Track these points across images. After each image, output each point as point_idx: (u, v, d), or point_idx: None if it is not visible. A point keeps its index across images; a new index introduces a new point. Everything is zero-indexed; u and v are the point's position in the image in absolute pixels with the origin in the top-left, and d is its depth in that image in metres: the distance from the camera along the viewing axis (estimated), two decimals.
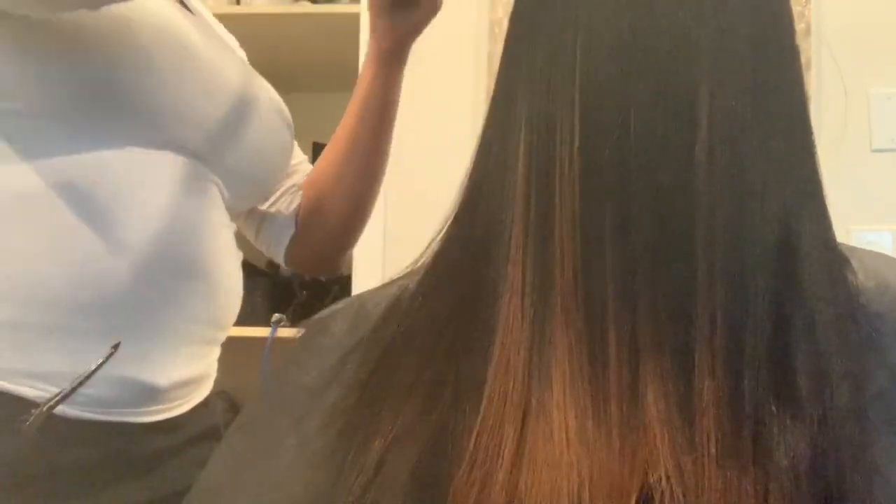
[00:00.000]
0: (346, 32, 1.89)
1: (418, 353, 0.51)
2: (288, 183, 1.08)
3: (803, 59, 1.83)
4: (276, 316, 1.63)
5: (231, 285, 0.93)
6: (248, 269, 2.44)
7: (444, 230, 0.55)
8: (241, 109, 0.91)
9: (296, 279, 2.25)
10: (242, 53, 1.08)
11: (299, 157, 1.11)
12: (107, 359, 0.73)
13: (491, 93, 0.56)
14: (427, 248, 0.57)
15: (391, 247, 1.77)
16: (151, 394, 0.82)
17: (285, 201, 1.08)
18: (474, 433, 0.47)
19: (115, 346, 0.74)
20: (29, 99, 0.76)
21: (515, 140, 0.51)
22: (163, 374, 0.82)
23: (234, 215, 0.97)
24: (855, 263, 0.52)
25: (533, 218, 0.50)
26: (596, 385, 0.46)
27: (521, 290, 0.49)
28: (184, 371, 0.85)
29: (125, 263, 0.78)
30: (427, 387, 0.50)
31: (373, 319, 0.56)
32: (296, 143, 1.10)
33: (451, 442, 0.47)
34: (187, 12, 0.91)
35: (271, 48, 2.21)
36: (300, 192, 1.09)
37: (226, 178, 0.91)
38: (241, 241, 2.95)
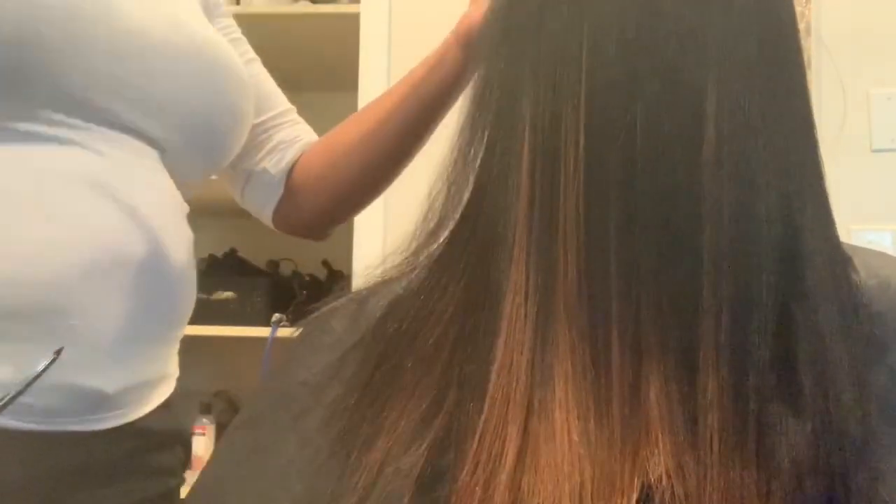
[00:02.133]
0: (346, 32, 1.89)
1: (421, 352, 0.51)
2: (276, 138, 1.00)
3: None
4: (276, 316, 1.63)
5: (183, 275, 0.86)
6: (248, 269, 2.46)
7: (449, 229, 0.55)
8: (167, 72, 0.83)
9: (296, 279, 2.25)
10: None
11: (280, 108, 1.03)
12: (48, 366, 0.68)
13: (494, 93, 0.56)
14: (416, 239, 0.57)
15: (391, 247, 1.77)
16: (98, 400, 0.77)
17: (274, 158, 1.00)
18: (477, 434, 0.47)
19: (58, 352, 0.69)
20: None
21: (520, 140, 0.51)
22: (110, 379, 0.77)
23: (189, 188, 0.90)
24: (857, 262, 0.52)
25: (537, 218, 0.50)
26: (598, 385, 0.46)
27: (525, 290, 0.49)
28: (135, 374, 0.80)
29: (63, 263, 0.73)
30: (430, 387, 0.50)
31: (374, 317, 0.56)
32: (280, 91, 1.03)
33: (454, 442, 0.47)
34: None
35: (271, 48, 2.21)
36: (293, 149, 1.01)
37: (168, 150, 0.84)
38: (238, 239, 2.93)
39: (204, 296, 2.14)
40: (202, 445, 2.09)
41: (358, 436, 0.50)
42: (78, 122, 0.77)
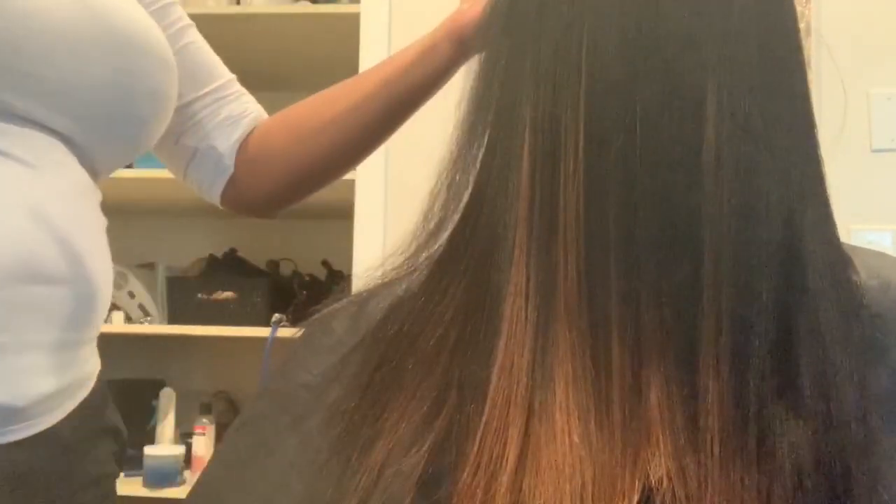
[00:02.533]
0: (346, 32, 1.89)
1: (422, 354, 0.51)
2: (223, 112, 0.95)
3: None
4: (276, 316, 1.63)
5: (98, 274, 0.80)
6: (248, 269, 2.46)
7: (449, 231, 0.55)
8: (70, 56, 0.76)
9: (296, 279, 2.25)
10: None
11: (222, 79, 0.97)
12: None
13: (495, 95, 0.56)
14: (416, 239, 0.57)
15: (391, 247, 1.77)
16: (8, 415, 0.73)
17: (223, 134, 0.94)
18: (478, 435, 0.47)
19: None
20: None
21: (520, 141, 0.51)
22: (20, 392, 0.73)
23: (105, 174, 0.85)
24: (857, 263, 0.52)
25: (537, 220, 0.49)
26: (598, 387, 0.46)
27: (525, 292, 0.49)
28: (48, 383, 0.76)
29: None
30: (431, 389, 0.50)
31: (374, 319, 0.56)
32: (219, 60, 0.97)
33: (455, 444, 0.47)
34: None
35: (271, 48, 2.22)
36: (242, 123, 0.95)
37: (77, 141, 0.78)
38: (238, 239, 2.93)
39: (204, 296, 2.14)
40: (202, 445, 2.09)
41: (358, 438, 0.50)
42: None
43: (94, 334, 0.83)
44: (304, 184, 0.97)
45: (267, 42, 2.15)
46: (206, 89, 0.94)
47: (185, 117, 0.93)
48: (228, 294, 2.13)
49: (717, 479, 0.44)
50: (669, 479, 0.44)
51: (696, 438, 0.45)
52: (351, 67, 1.86)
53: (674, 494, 0.43)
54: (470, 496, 0.45)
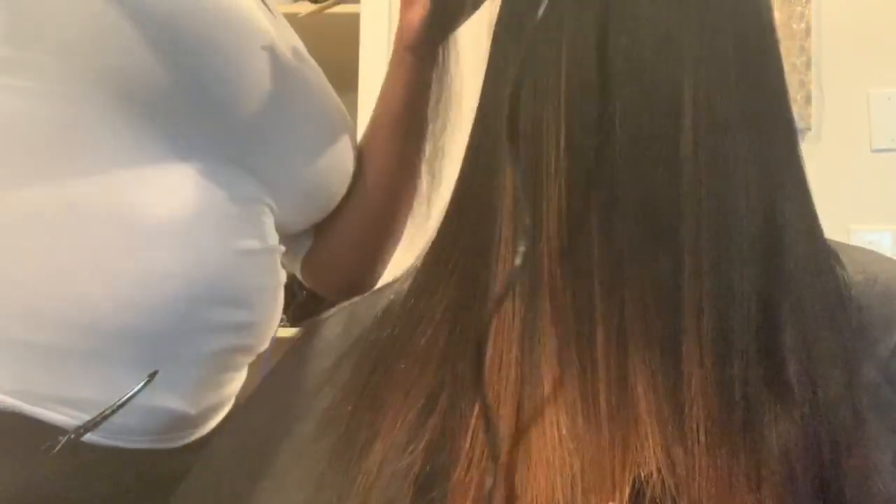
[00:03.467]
0: (346, 32, 1.89)
1: (414, 355, 0.51)
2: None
3: (803, 59, 1.83)
4: None
5: (271, 312, 0.86)
6: None
7: (435, 231, 0.56)
8: (285, 115, 0.81)
9: (296, 279, 2.25)
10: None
11: None
12: (142, 387, 0.70)
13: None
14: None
15: None
16: (181, 422, 0.79)
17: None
18: (470, 432, 0.47)
19: (152, 375, 0.71)
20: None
21: (502, 142, 0.51)
22: (195, 402, 0.79)
23: (286, 233, 0.89)
24: (844, 258, 0.52)
25: (521, 217, 0.50)
26: (585, 380, 0.47)
27: (513, 289, 0.49)
28: (215, 397, 0.82)
29: (173, 290, 0.73)
30: (424, 388, 0.50)
31: (365, 322, 0.56)
32: None
33: (449, 441, 0.48)
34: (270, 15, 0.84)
35: None
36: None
37: (279, 197, 0.83)
38: None
39: None
40: None
41: (356, 441, 0.50)
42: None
43: (252, 360, 0.87)
44: (368, 267, 0.98)
45: None
46: None
47: None
48: None
49: (705, 467, 0.44)
50: (658, 469, 0.44)
51: (683, 427, 0.45)
52: (351, 67, 1.86)
53: (663, 484, 0.44)
54: (464, 492, 0.46)
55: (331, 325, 0.59)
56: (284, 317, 1.61)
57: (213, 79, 0.74)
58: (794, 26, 1.71)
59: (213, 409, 0.83)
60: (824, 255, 0.51)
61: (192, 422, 0.80)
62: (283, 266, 0.98)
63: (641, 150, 0.49)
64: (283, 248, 0.87)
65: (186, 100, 0.73)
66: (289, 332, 0.63)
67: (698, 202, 0.48)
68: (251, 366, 0.88)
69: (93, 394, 0.71)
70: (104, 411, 0.70)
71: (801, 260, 0.49)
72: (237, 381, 0.87)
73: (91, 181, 0.72)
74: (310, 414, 0.54)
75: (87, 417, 0.70)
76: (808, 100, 1.70)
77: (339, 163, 0.87)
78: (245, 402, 0.61)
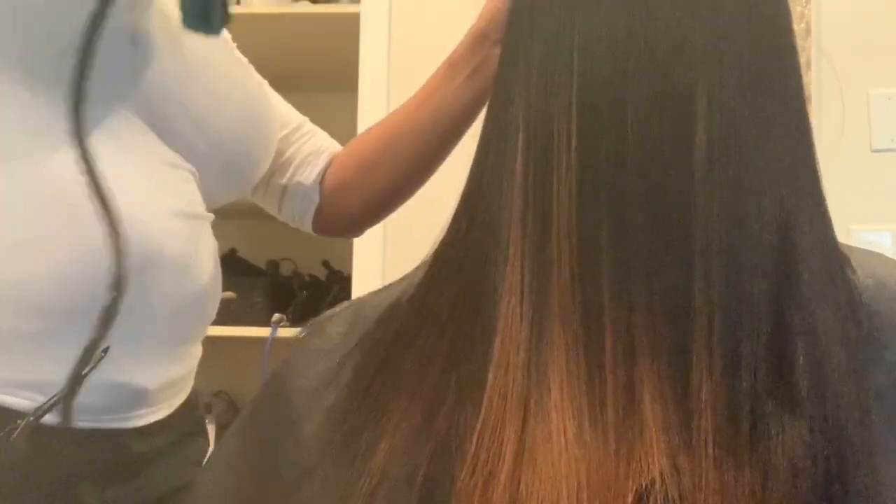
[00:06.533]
0: (346, 32, 1.89)
1: (419, 355, 0.51)
2: (303, 150, 1.03)
3: (803, 59, 1.81)
4: (276, 316, 1.63)
5: (212, 278, 0.87)
6: (248, 269, 2.45)
7: (444, 232, 0.55)
8: (207, 90, 0.85)
9: (296, 279, 2.25)
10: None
11: (297, 121, 1.05)
12: (95, 364, 0.70)
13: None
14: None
15: (391, 247, 1.77)
16: (140, 397, 0.79)
17: (305, 171, 1.03)
18: (475, 435, 0.47)
19: (104, 351, 0.71)
20: None
21: (513, 141, 0.51)
22: (152, 376, 0.79)
23: (215, 204, 0.91)
24: (853, 262, 0.52)
25: (530, 219, 0.50)
26: (592, 387, 0.46)
27: (520, 291, 0.49)
28: (171, 371, 0.83)
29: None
30: (429, 389, 0.50)
31: (370, 321, 0.56)
32: (291, 108, 1.05)
33: (454, 443, 0.47)
34: None
35: (271, 48, 2.21)
36: (321, 160, 1.04)
37: (202, 168, 0.86)
38: (238, 239, 2.92)
39: None
40: None
41: (360, 441, 0.50)
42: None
43: (204, 333, 0.90)
44: (381, 205, 1.04)
45: (267, 42, 2.15)
46: (287, 130, 1.03)
47: (274, 158, 1.01)
48: (228, 294, 2.12)
49: (710, 478, 0.44)
50: (663, 478, 0.44)
51: (690, 437, 0.45)
52: (351, 67, 1.86)
53: (667, 494, 0.43)
54: (468, 495, 0.45)
55: (335, 324, 0.59)
56: (284, 317, 1.61)
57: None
58: (794, 26, 1.71)
59: (171, 386, 0.84)
60: (838, 263, 0.51)
61: (151, 398, 0.80)
62: (293, 223, 1.07)
63: (653, 154, 0.48)
64: (211, 216, 0.89)
65: None
66: (289, 331, 0.63)
67: (710, 209, 0.47)
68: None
69: (49, 375, 0.71)
70: (60, 391, 0.69)
71: (815, 271, 0.48)
72: (190, 359, 0.89)
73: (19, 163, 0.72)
74: (314, 414, 0.54)
75: (44, 399, 0.70)
76: (807, 100, 1.70)
77: (258, 130, 0.92)
78: (250, 403, 0.61)
